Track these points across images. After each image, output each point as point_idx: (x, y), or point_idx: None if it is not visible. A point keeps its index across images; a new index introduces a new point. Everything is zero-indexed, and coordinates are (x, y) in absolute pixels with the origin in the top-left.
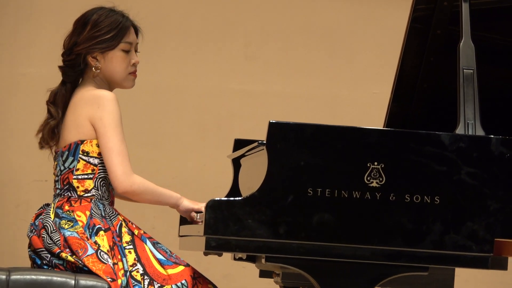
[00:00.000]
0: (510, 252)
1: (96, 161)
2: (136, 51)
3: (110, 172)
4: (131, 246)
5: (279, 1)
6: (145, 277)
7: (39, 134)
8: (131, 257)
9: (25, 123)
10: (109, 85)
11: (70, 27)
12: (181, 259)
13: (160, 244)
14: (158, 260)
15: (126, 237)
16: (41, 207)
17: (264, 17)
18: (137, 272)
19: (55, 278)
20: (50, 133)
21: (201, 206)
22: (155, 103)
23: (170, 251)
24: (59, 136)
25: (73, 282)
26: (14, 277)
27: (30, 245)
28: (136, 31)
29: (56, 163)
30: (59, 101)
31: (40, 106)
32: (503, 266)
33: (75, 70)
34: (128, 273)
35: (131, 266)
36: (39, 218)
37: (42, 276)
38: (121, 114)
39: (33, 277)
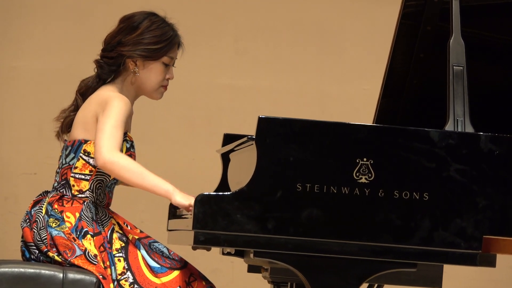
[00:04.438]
0: (498, 249)
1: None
2: (173, 65)
3: (94, 148)
4: (121, 254)
5: None
6: (135, 286)
7: (58, 121)
8: (120, 265)
9: (15, 116)
10: (136, 91)
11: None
12: (179, 257)
13: (156, 243)
14: (151, 268)
15: (117, 244)
16: (40, 194)
17: (254, 13)
18: (126, 281)
19: (43, 271)
20: (69, 125)
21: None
22: (144, 97)
23: (167, 250)
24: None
25: (61, 275)
26: (2, 269)
27: (23, 236)
28: (179, 47)
29: (61, 154)
30: (88, 95)
31: (30, 99)
32: (491, 263)
33: (111, 68)
34: (116, 282)
35: (119, 274)
36: (35, 208)
37: (30, 269)
38: (126, 112)
39: (21, 269)
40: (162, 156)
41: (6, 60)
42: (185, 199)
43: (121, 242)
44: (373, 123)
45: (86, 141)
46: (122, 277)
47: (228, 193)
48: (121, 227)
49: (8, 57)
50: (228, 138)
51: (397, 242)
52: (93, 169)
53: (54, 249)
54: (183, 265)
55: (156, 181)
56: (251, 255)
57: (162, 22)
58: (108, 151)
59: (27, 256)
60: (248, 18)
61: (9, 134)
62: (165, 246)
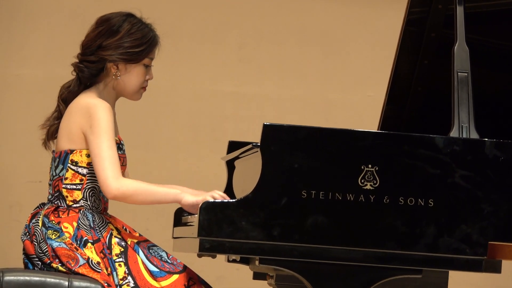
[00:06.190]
0: (504, 255)
1: (84, 171)
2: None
3: (98, 178)
4: (121, 259)
5: (273, 3)
6: None
7: (44, 129)
8: (121, 270)
9: (19, 124)
10: (117, 94)
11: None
12: (178, 261)
13: (155, 247)
14: (150, 273)
15: (116, 249)
16: (37, 207)
17: (258, 20)
18: (128, 285)
19: (48, 280)
20: (54, 132)
21: (206, 196)
22: (148, 104)
23: (166, 254)
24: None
25: (66, 283)
26: (7, 278)
27: (24, 249)
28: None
29: (50, 166)
30: (70, 100)
31: (34, 107)
32: (496, 269)
33: (92, 72)
34: (118, 287)
35: (121, 279)
36: (33, 221)
37: (35, 278)
38: (113, 122)
39: (27, 278)
40: (166, 164)
41: (10, 68)
42: (197, 194)
43: (120, 247)
44: (377, 130)
45: (72, 151)
46: (123, 282)
47: (233, 200)
48: (119, 232)
49: (12, 65)
50: (233, 146)
51: (403, 249)
52: (83, 178)
53: (57, 260)
54: (182, 269)
55: (164, 191)
56: (257, 262)
57: (141, 23)
58: (113, 182)
59: (30, 268)
60: (252, 25)
61: (14, 142)
62: (163, 250)
